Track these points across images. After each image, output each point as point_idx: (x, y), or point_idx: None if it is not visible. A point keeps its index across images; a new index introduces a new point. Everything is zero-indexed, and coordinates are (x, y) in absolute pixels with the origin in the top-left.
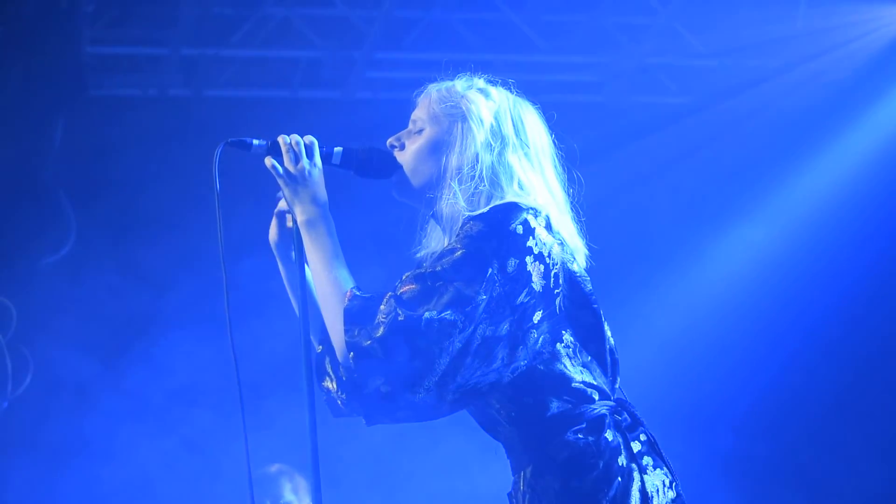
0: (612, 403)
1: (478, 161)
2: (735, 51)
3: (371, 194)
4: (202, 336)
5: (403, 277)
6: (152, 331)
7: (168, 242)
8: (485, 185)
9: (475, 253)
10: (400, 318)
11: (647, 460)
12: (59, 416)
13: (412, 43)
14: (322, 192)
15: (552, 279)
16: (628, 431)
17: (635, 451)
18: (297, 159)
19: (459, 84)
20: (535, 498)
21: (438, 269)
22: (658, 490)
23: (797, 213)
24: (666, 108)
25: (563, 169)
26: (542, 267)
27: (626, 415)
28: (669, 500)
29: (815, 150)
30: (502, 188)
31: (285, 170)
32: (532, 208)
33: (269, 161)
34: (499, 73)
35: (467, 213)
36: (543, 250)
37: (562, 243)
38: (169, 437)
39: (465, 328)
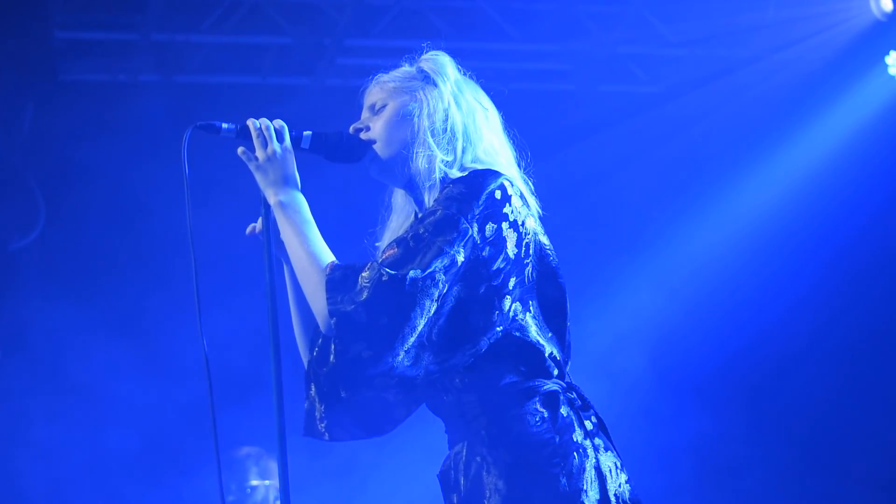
0: (563, 383)
1: (447, 117)
2: (705, 40)
3: (340, 184)
4: (174, 321)
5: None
6: (121, 315)
7: (137, 227)
8: (458, 140)
9: (455, 214)
10: (384, 279)
11: (598, 441)
12: (26, 400)
13: (383, 30)
14: (293, 174)
15: (523, 248)
16: (581, 411)
17: (588, 429)
18: (266, 143)
19: (406, 65)
20: (485, 468)
21: (420, 230)
22: (611, 470)
23: (767, 202)
24: (636, 97)
25: (522, 155)
26: (515, 235)
27: (575, 395)
28: (623, 482)
29: (786, 139)
30: (473, 144)
31: (255, 154)
32: (507, 177)
33: (240, 149)
34: (469, 61)
35: (443, 166)
36: (518, 218)
37: (532, 215)
38: (137, 420)
39: (443, 288)
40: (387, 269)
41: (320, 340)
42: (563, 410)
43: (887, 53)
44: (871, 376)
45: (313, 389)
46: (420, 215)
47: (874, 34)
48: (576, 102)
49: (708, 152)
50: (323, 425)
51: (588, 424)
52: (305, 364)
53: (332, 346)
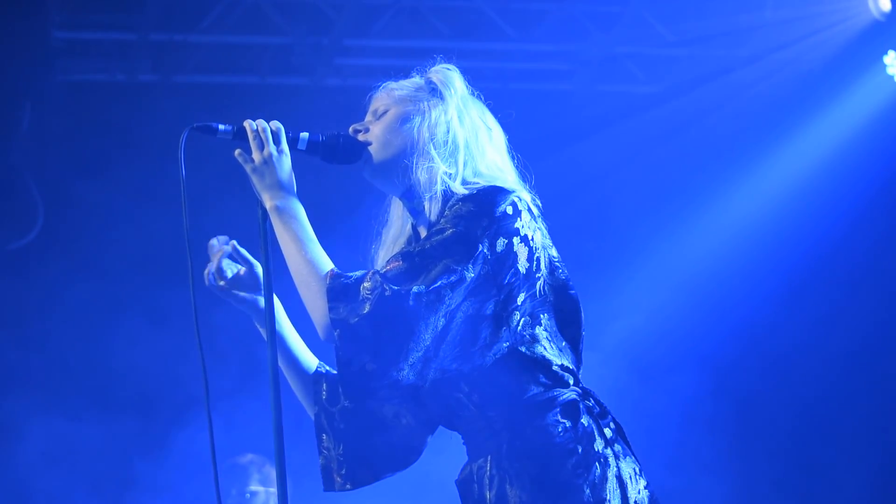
0: (580, 390)
1: (449, 130)
2: (704, 40)
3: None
4: (168, 323)
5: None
6: (118, 318)
7: (135, 228)
8: (459, 153)
9: (465, 232)
10: (387, 294)
11: (618, 448)
12: (25, 398)
13: (381, 30)
14: (290, 178)
15: (534, 262)
16: (600, 418)
17: (608, 437)
18: (262, 145)
19: (416, 76)
20: (508, 480)
21: (427, 247)
22: (631, 477)
23: (765, 202)
24: (635, 98)
25: (520, 161)
26: (526, 249)
27: (593, 402)
28: (642, 488)
29: (784, 138)
30: (475, 159)
31: (252, 156)
32: (516, 192)
33: (236, 151)
34: (467, 61)
35: (445, 178)
36: (528, 233)
37: (540, 229)
38: (137, 420)
39: (451, 304)
40: (390, 285)
41: (325, 385)
42: (584, 420)
43: (885, 53)
44: (864, 378)
45: (325, 438)
46: (424, 231)
47: (872, 34)
48: (574, 102)
49: (706, 152)
50: (343, 472)
51: (607, 432)
52: (314, 416)
53: (340, 388)
